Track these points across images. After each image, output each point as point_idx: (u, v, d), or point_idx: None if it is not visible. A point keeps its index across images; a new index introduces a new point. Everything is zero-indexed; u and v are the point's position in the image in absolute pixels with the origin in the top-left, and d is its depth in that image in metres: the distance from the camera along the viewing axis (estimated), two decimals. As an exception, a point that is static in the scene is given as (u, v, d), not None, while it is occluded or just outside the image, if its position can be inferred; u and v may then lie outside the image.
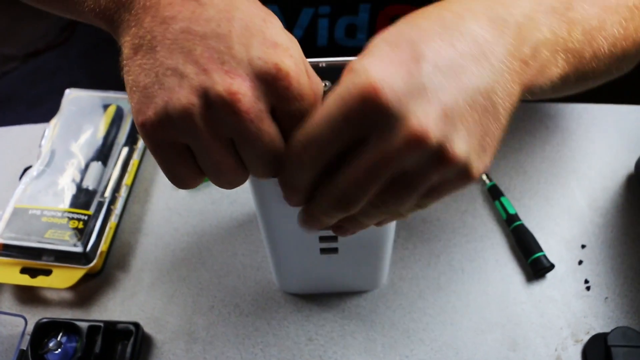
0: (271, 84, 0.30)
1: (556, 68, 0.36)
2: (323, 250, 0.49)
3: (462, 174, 0.30)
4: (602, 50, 0.40)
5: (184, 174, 0.33)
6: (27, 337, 0.55)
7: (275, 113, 0.32)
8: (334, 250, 0.49)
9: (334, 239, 0.47)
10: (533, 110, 0.72)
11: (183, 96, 0.30)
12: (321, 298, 0.58)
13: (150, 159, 0.69)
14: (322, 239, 0.47)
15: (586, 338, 0.55)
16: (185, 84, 0.30)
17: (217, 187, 0.65)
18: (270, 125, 0.31)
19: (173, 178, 0.34)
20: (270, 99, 0.31)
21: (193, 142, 0.31)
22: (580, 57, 0.38)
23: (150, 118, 0.30)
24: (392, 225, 0.48)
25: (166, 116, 0.30)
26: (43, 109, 1.75)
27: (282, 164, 0.33)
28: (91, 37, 2.06)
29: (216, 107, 0.30)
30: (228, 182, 0.34)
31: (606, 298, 0.58)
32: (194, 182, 0.34)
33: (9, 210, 0.61)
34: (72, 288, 0.59)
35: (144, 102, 0.31)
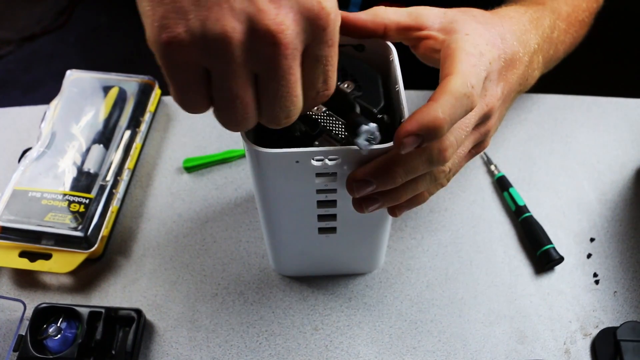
0: (312, 21, 0.29)
1: (535, 80, 0.49)
2: (321, 230, 0.48)
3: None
4: (559, 56, 0.56)
5: (196, 100, 0.31)
6: (26, 322, 0.53)
7: (302, 55, 0.31)
8: (332, 229, 0.48)
9: (332, 217, 0.46)
10: (542, 102, 0.71)
11: (225, 18, 0.28)
12: (326, 287, 0.57)
13: (153, 142, 0.68)
14: (321, 217, 0.46)
15: (595, 332, 0.54)
16: (227, 5, 0.28)
17: (221, 173, 0.64)
18: (299, 66, 0.31)
19: (182, 101, 0.32)
20: (306, 39, 0.30)
21: (219, 68, 0.29)
22: (547, 66, 0.52)
23: (179, 36, 0.28)
24: None
25: (201, 37, 0.28)
26: (39, 94, 1.73)
27: (296, 113, 0.33)
28: (88, 22, 2.04)
29: (258, 37, 0.28)
30: (236, 120, 0.32)
31: (615, 292, 0.57)
32: (202, 109, 0.32)
33: (7, 192, 0.59)
34: (72, 273, 0.58)
35: (173, 18, 0.28)
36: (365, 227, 0.49)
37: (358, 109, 0.39)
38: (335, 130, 0.40)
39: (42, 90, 1.72)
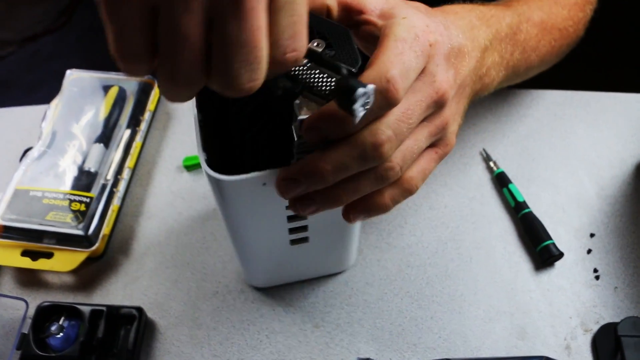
0: None
1: (497, 81, 0.47)
2: (293, 242, 0.48)
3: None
4: (534, 63, 0.55)
5: (138, 47, 0.26)
6: (29, 321, 0.53)
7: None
8: (305, 239, 0.48)
9: (303, 228, 0.46)
10: (541, 97, 0.71)
11: None
12: (326, 285, 0.57)
13: (153, 141, 0.68)
14: (292, 230, 0.46)
15: (596, 328, 0.54)
16: None
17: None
18: (265, 11, 0.26)
19: (122, 49, 0.26)
20: None
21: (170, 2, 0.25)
22: (516, 70, 0.51)
23: None
24: None
25: None
26: (40, 94, 1.73)
27: (259, 75, 0.27)
28: (89, 22, 2.04)
29: None
30: (181, 74, 0.27)
31: (616, 287, 0.57)
32: (144, 63, 0.27)
33: (9, 192, 0.60)
34: (74, 271, 0.58)
35: None
36: (336, 231, 0.49)
37: (345, 70, 0.33)
38: (319, 85, 0.34)
39: (44, 90, 1.72)
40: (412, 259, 0.59)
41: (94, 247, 0.57)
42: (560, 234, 0.60)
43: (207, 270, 0.58)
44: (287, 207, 0.41)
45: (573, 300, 0.56)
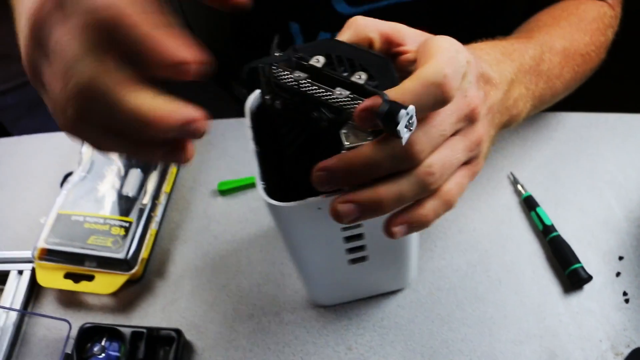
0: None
1: (525, 112, 0.48)
2: (352, 261, 0.49)
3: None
4: (559, 90, 0.56)
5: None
6: (72, 341, 0.56)
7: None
8: (363, 258, 0.49)
9: (361, 248, 0.47)
10: (566, 120, 0.72)
11: None
12: (359, 307, 0.58)
13: (188, 166, 0.70)
14: (350, 250, 0.47)
15: (627, 351, 0.55)
16: None
17: (255, 196, 0.66)
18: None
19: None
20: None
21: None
22: (542, 99, 0.53)
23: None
24: None
25: None
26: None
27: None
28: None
29: None
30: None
31: (645, 311, 0.57)
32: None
33: (52, 216, 0.62)
34: (114, 294, 0.60)
35: None
36: (395, 248, 0.50)
37: (387, 97, 0.34)
38: None
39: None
40: (442, 282, 0.60)
41: (133, 271, 0.59)
42: (588, 257, 0.61)
43: (243, 293, 0.60)
44: (342, 229, 0.43)
45: (603, 323, 0.57)
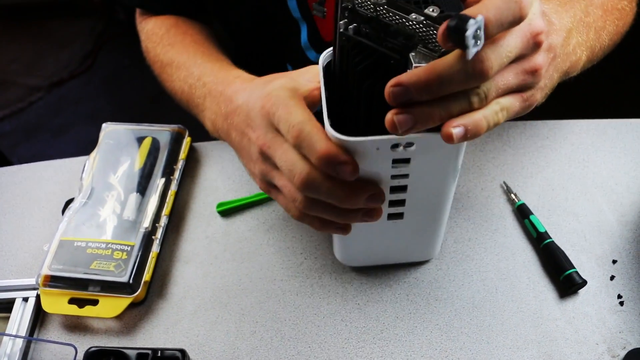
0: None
1: (582, 62, 0.52)
2: (390, 216, 0.52)
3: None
4: (605, 43, 0.58)
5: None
6: (78, 366, 0.57)
7: None
8: (400, 215, 0.52)
9: (401, 202, 0.51)
10: (557, 128, 0.73)
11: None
12: (358, 321, 0.59)
13: (186, 188, 0.72)
14: (391, 203, 0.50)
15: (623, 353, 0.56)
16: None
17: (253, 215, 0.68)
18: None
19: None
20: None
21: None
22: (593, 49, 0.55)
23: None
24: (452, 188, 0.51)
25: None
26: (68, 136, 1.80)
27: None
28: (112, 64, 2.12)
29: None
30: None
31: (640, 313, 0.58)
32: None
33: (55, 243, 0.64)
34: (118, 317, 0.61)
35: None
36: (429, 210, 0.53)
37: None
38: (433, 41, 0.39)
39: (71, 132, 1.79)
40: (440, 292, 0.61)
41: (136, 293, 0.61)
42: (582, 261, 0.62)
43: (245, 311, 0.61)
44: (391, 177, 0.47)
45: (599, 326, 0.58)
